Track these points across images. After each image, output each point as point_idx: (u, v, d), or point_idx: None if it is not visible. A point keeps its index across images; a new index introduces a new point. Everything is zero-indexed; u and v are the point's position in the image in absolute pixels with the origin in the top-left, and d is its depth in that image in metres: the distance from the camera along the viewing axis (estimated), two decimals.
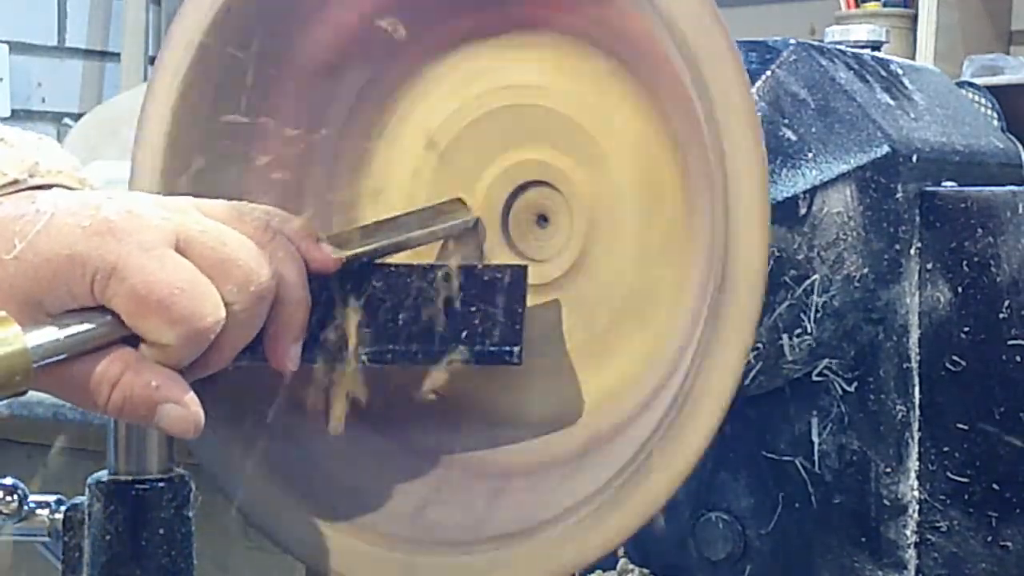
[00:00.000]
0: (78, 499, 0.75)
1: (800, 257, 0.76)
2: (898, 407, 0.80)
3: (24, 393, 0.60)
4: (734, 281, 0.64)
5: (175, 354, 0.63)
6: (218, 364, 0.67)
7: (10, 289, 0.61)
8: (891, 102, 0.84)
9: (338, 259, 0.72)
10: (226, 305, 0.64)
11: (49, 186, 0.67)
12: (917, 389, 0.80)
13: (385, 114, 0.83)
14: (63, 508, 0.77)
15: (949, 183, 0.82)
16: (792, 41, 0.81)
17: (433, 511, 0.76)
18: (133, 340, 0.63)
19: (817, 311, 0.76)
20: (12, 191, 0.65)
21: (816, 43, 0.84)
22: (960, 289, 0.79)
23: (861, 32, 1.00)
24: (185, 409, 0.63)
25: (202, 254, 0.64)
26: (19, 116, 2.84)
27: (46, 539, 0.79)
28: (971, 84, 1.30)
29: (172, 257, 0.63)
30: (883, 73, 0.86)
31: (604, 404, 0.78)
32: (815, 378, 0.80)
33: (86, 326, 0.62)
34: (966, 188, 0.80)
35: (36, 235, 0.62)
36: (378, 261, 0.75)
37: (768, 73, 0.78)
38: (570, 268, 0.79)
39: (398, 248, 0.76)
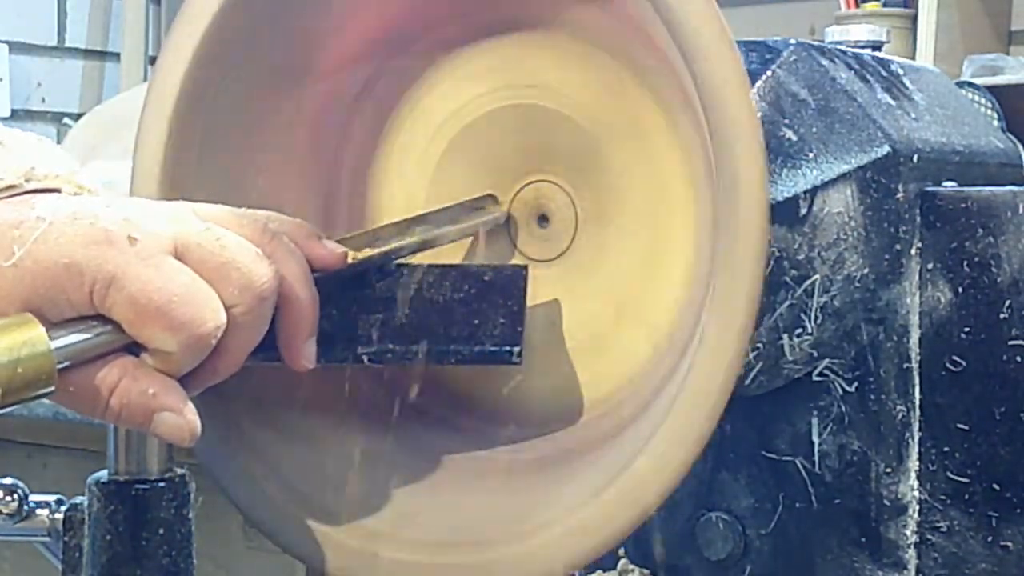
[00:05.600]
0: (78, 499, 0.75)
1: (800, 257, 0.76)
2: (898, 407, 0.80)
3: (47, 395, 0.60)
4: (733, 280, 0.64)
5: (177, 361, 0.63)
6: (229, 368, 0.67)
7: (8, 296, 0.61)
8: (891, 102, 0.84)
9: (343, 254, 0.72)
10: (228, 308, 0.64)
11: (47, 190, 0.67)
12: (917, 389, 0.80)
13: (389, 112, 0.83)
14: (63, 508, 0.77)
15: (949, 183, 0.82)
16: (792, 41, 0.81)
17: (433, 511, 0.76)
18: (136, 348, 0.63)
19: (817, 311, 0.76)
20: (9, 195, 0.65)
21: (816, 43, 0.84)
22: (960, 289, 0.79)
23: (861, 32, 1.00)
24: (181, 418, 0.63)
25: (201, 259, 0.64)
26: (19, 116, 2.84)
27: (46, 539, 0.79)
28: (971, 84, 1.30)
29: (170, 264, 0.63)
30: (883, 73, 0.86)
31: (604, 403, 0.78)
32: (815, 378, 0.80)
33: (91, 333, 0.62)
34: (966, 188, 0.80)
35: (34, 243, 0.62)
36: (378, 261, 0.75)
37: (768, 73, 0.78)
38: (570, 268, 0.79)
39: (428, 244, 0.76)
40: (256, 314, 0.66)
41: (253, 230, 0.67)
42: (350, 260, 0.73)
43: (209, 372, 0.66)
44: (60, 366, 0.60)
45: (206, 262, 0.64)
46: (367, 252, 0.74)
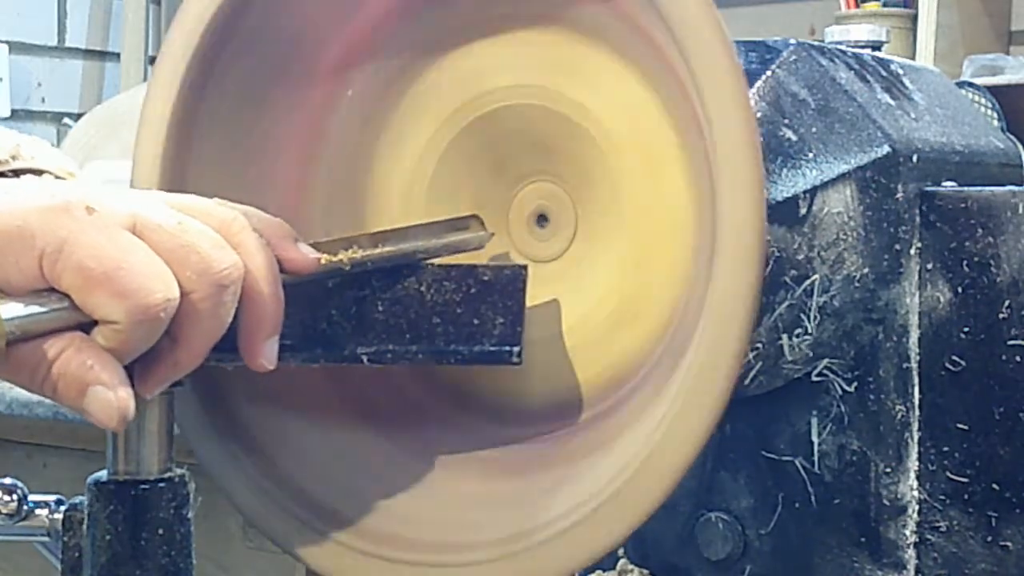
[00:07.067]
0: (78, 499, 0.75)
1: (800, 257, 0.76)
2: (898, 407, 0.80)
3: None
4: (731, 281, 0.64)
5: (125, 335, 0.62)
6: (191, 361, 0.65)
7: None
8: (891, 102, 0.84)
9: (315, 259, 0.71)
10: (186, 294, 0.63)
11: (32, 171, 0.67)
12: (917, 389, 0.80)
13: (390, 111, 0.83)
14: (63, 508, 0.77)
15: (949, 183, 0.82)
16: (792, 41, 0.81)
17: (432, 511, 0.76)
18: (88, 328, 0.62)
19: (817, 311, 0.76)
20: None
21: (816, 43, 0.84)
22: (960, 289, 0.79)
23: (861, 32, 1.00)
24: (112, 394, 0.62)
25: (159, 239, 0.63)
26: (19, 116, 2.84)
27: (46, 539, 0.79)
28: (971, 84, 1.30)
29: (126, 236, 0.62)
30: (883, 73, 0.86)
31: (604, 403, 0.78)
32: (815, 378, 0.80)
33: (44, 307, 0.61)
34: (966, 188, 0.80)
35: None
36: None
37: (768, 73, 0.78)
38: (570, 267, 0.79)
39: (405, 258, 0.75)
40: (215, 303, 0.64)
41: (222, 221, 0.66)
42: (322, 263, 0.72)
43: (170, 364, 0.65)
44: (10, 338, 0.60)
45: (164, 243, 0.63)
46: (341, 256, 0.73)
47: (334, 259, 0.72)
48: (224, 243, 0.65)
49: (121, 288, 0.61)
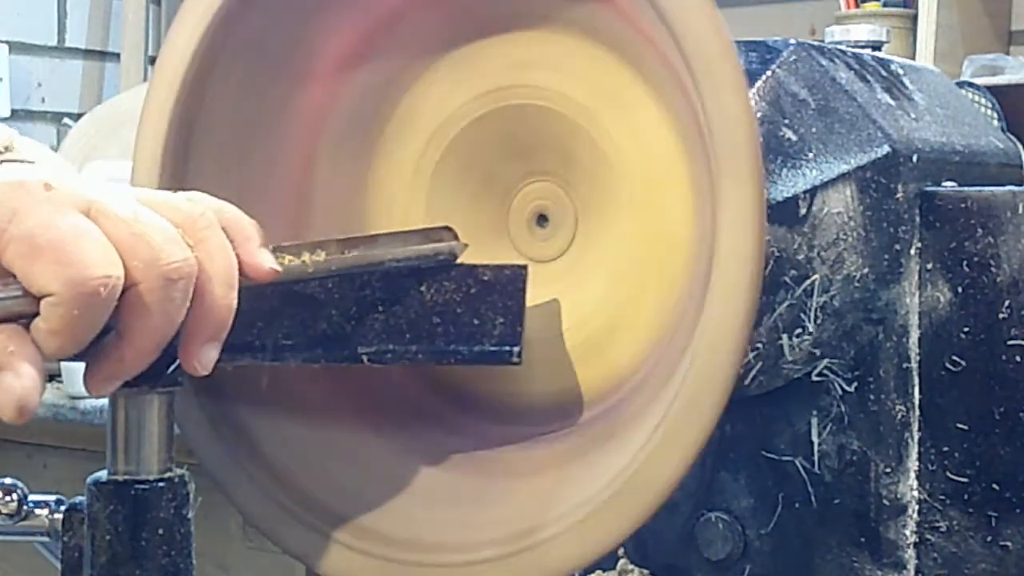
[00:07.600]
0: (78, 499, 0.75)
1: (800, 257, 0.76)
2: (898, 407, 0.80)
3: None
4: (730, 281, 0.64)
5: (64, 311, 0.60)
6: (136, 358, 0.64)
7: None
8: (891, 102, 0.84)
9: (272, 271, 0.68)
10: (133, 284, 0.62)
11: (24, 162, 0.66)
12: (917, 389, 0.80)
13: (387, 114, 0.83)
14: (63, 508, 0.77)
15: (949, 183, 0.82)
16: (792, 41, 0.81)
17: (433, 511, 0.76)
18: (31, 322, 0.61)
19: (817, 311, 0.76)
20: None
21: (816, 43, 0.84)
22: (960, 289, 0.79)
23: (861, 32, 1.00)
24: (18, 383, 0.60)
25: (112, 226, 0.62)
26: (19, 116, 2.84)
27: (46, 539, 0.79)
28: (971, 84, 1.30)
29: (78, 216, 0.62)
30: (883, 73, 0.86)
31: (604, 403, 0.78)
32: (815, 378, 0.80)
33: None
34: (966, 188, 0.80)
35: None
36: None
37: (768, 73, 0.78)
38: (570, 267, 0.79)
39: (371, 266, 0.74)
40: (162, 297, 0.62)
41: (186, 216, 0.65)
42: (286, 263, 0.70)
43: (115, 360, 0.64)
44: None
45: (116, 231, 0.62)
46: (305, 258, 0.71)
47: (296, 261, 0.70)
48: (179, 238, 0.64)
49: (63, 257, 0.60)
